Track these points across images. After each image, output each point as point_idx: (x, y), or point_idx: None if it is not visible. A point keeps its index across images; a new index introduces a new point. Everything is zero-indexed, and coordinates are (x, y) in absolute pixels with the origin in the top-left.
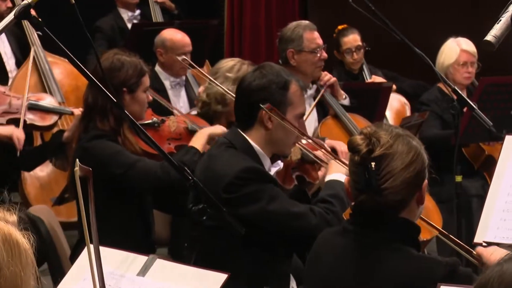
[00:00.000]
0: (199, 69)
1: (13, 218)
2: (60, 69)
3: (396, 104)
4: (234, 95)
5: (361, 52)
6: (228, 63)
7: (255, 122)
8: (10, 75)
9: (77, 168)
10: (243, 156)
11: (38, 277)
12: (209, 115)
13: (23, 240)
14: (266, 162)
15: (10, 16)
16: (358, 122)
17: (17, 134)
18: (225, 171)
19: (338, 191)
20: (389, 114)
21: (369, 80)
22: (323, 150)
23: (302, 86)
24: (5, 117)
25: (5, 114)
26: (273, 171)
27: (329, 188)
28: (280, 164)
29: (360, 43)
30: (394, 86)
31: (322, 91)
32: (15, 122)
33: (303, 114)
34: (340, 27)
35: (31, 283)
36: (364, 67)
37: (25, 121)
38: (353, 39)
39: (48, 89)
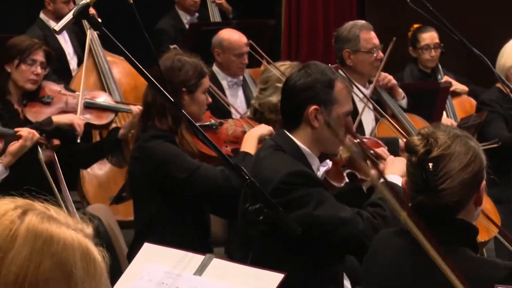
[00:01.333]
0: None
1: (90, 230)
2: (119, 68)
3: (468, 107)
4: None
5: (438, 51)
6: (276, 70)
7: (301, 122)
8: (73, 73)
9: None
10: (291, 159)
11: None
12: (262, 122)
13: (99, 257)
14: (315, 162)
15: (69, 16)
16: (416, 123)
17: (77, 120)
18: (271, 175)
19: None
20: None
21: (442, 81)
22: (375, 148)
23: (348, 84)
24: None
25: (62, 113)
26: (322, 170)
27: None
28: (328, 163)
29: (438, 41)
30: (466, 88)
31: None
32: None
33: (350, 112)
34: (415, 25)
35: None
36: (439, 67)
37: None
38: (432, 36)
39: (107, 88)
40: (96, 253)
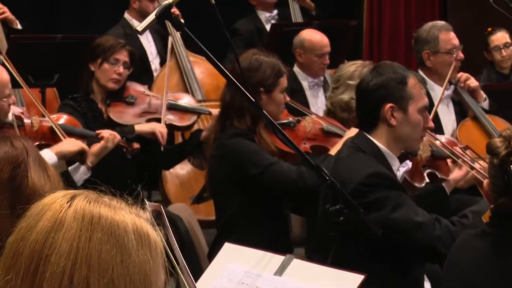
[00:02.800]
0: None
1: (146, 215)
2: (201, 68)
3: None
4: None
5: (510, 50)
6: (349, 68)
7: (378, 122)
8: (155, 74)
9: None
10: (371, 160)
11: (169, 270)
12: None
13: (154, 233)
14: (395, 163)
15: (151, 16)
16: (498, 124)
17: (160, 129)
18: (351, 176)
19: (482, 208)
20: None
21: None
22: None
23: (420, 80)
24: (145, 116)
25: (145, 114)
26: (401, 171)
27: (478, 205)
28: (408, 164)
29: (509, 40)
30: None
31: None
32: (154, 122)
33: (426, 107)
34: (489, 29)
35: (161, 275)
36: None
37: (164, 121)
38: (501, 36)
39: (189, 88)
40: (151, 230)
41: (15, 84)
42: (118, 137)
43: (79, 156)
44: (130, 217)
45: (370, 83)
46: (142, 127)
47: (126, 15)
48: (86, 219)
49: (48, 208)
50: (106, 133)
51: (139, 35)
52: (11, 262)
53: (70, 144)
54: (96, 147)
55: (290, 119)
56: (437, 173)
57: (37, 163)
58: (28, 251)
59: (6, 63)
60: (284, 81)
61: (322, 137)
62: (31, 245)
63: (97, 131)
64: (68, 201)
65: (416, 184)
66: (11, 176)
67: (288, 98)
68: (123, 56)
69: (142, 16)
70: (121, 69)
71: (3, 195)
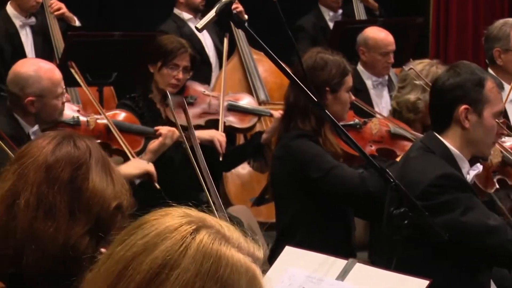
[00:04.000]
0: None
1: (261, 254)
2: (265, 66)
3: None
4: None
5: None
6: (416, 67)
7: (451, 123)
8: (213, 65)
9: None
10: (441, 162)
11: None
12: (401, 122)
13: (264, 285)
14: (465, 165)
15: (211, 14)
16: None
17: (219, 137)
18: (420, 177)
19: None
20: None
21: None
22: None
23: (498, 84)
24: (204, 117)
25: (204, 114)
26: (471, 174)
27: None
28: (479, 167)
29: None
30: None
31: None
32: (213, 123)
33: (501, 113)
34: None
35: None
36: None
37: (224, 122)
38: None
39: (252, 86)
40: (262, 280)
41: (72, 82)
42: (177, 133)
43: (145, 178)
44: (247, 264)
45: (446, 82)
46: (201, 133)
47: (176, 10)
48: (204, 265)
49: (170, 235)
50: (164, 129)
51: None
52: (117, 280)
53: (134, 167)
54: (154, 143)
55: (356, 120)
56: (507, 179)
57: (100, 165)
58: (138, 279)
59: (74, 74)
60: (349, 80)
61: (389, 140)
62: (142, 273)
63: (156, 128)
64: (192, 233)
65: (485, 190)
66: (71, 178)
67: (353, 98)
68: (184, 61)
69: (190, 8)
70: (180, 74)
71: (62, 196)
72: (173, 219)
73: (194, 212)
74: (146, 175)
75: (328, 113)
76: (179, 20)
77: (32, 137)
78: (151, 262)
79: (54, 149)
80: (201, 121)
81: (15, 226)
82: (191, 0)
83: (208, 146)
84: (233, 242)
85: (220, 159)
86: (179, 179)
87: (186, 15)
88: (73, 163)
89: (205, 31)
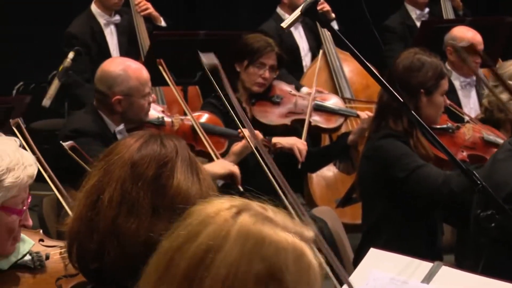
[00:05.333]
0: None
1: (310, 234)
2: (351, 66)
3: None
4: None
5: None
6: (509, 68)
7: None
8: (305, 70)
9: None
10: None
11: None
12: (492, 121)
13: (315, 262)
14: None
15: (297, 12)
16: None
17: (299, 146)
18: (507, 180)
19: None
20: None
21: None
22: None
23: None
24: (290, 117)
25: (290, 114)
26: None
27: None
28: None
29: None
30: None
31: None
32: (299, 123)
33: None
34: None
35: None
36: None
37: (309, 122)
38: None
39: (338, 86)
40: (312, 258)
41: (158, 81)
42: (260, 135)
43: (229, 179)
44: (293, 242)
45: None
46: (281, 140)
47: (279, 10)
48: (248, 244)
49: (212, 221)
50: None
51: (292, 30)
52: (164, 271)
53: (219, 167)
54: (237, 146)
55: (449, 124)
56: None
57: (186, 165)
58: (184, 266)
59: (163, 72)
60: (445, 84)
61: (481, 147)
62: (187, 260)
63: (239, 130)
64: (233, 216)
65: None
66: (156, 175)
67: (448, 102)
68: (270, 60)
69: (293, 10)
70: (267, 73)
71: (145, 193)
72: (215, 206)
73: (237, 199)
74: (230, 176)
75: (415, 114)
76: (280, 21)
77: (118, 136)
78: (196, 248)
79: (141, 147)
80: (287, 121)
81: (98, 221)
82: (295, 2)
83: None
84: (277, 222)
85: (299, 167)
86: (256, 183)
87: (288, 17)
88: (158, 161)
89: (303, 35)
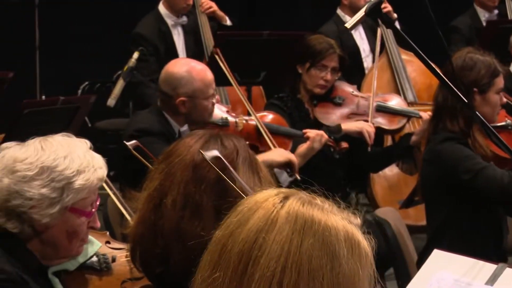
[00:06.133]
0: None
1: (357, 221)
2: (414, 67)
3: None
4: None
5: None
6: None
7: None
8: (367, 72)
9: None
10: None
11: (375, 281)
12: None
13: (365, 242)
14: None
15: (361, 13)
16: None
17: (367, 128)
18: None
19: None
20: None
21: None
22: None
23: None
24: (352, 118)
25: (353, 115)
26: None
27: None
28: None
29: None
30: None
31: None
32: None
33: None
34: None
35: (367, 285)
36: None
37: (372, 123)
38: None
39: (400, 87)
40: (362, 238)
41: (222, 81)
42: (325, 136)
43: (287, 167)
44: (342, 223)
45: None
46: (349, 125)
47: (339, 11)
48: (298, 222)
49: (260, 206)
50: (312, 133)
51: (351, 32)
52: (219, 258)
53: (278, 154)
54: (302, 147)
55: (508, 121)
56: None
57: (247, 164)
58: (237, 250)
59: (219, 60)
60: (500, 82)
61: None
62: (240, 244)
63: (304, 131)
64: (281, 201)
65: None
66: (218, 177)
67: (505, 100)
68: (332, 62)
69: (353, 11)
70: (328, 75)
71: (208, 196)
72: (263, 193)
73: (284, 189)
74: (288, 164)
75: (478, 114)
76: (341, 23)
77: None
78: (247, 231)
79: (201, 148)
80: (349, 122)
81: (162, 225)
82: (356, 3)
83: (357, 140)
84: (325, 207)
85: (369, 149)
86: (321, 184)
87: (348, 19)
88: (219, 163)
89: (364, 37)
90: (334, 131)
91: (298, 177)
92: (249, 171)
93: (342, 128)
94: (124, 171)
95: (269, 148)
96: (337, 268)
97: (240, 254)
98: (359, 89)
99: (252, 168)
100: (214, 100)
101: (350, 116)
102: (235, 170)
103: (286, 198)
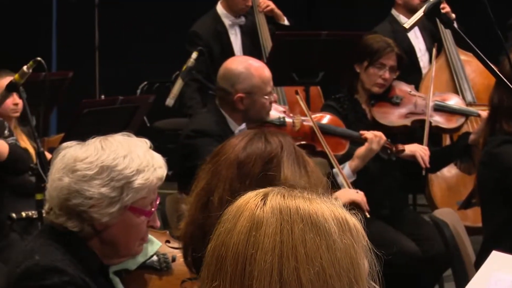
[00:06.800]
0: None
1: (339, 202)
2: (473, 67)
3: None
4: None
5: None
6: None
7: None
8: (423, 71)
9: None
10: None
11: (371, 255)
12: None
13: (352, 218)
14: None
15: (420, 13)
16: None
17: (421, 152)
18: None
19: None
20: None
21: None
22: None
23: None
24: (410, 118)
25: (410, 114)
26: None
27: None
28: None
29: None
30: None
31: None
32: (419, 123)
33: None
34: None
35: (364, 259)
36: None
37: (430, 122)
38: None
39: (459, 88)
40: (348, 214)
41: (280, 81)
42: (383, 138)
43: (354, 207)
44: (326, 205)
45: None
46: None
47: (393, 11)
48: (284, 212)
49: (244, 209)
50: (370, 134)
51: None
52: (216, 268)
53: (339, 196)
54: (361, 149)
55: None
56: None
57: (292, 158)
58: (232, 254)
59: (300, 99)
60: None
61: None
62: (233, 248)
63: (361, 132)
64: (262, 199)
65: None
66: (263, 171)
67: None
68: (390, 60)
69: (408, 11)
70: (387, 74)
71: (254, 190)
72: (243, 198)
73: (261, 189)
74: (352, 204)
75: None
76: (395, 23)
77: None
78: (237, 235)
79: (246, 146)
80: (407, 122)
81: (210, 224)
82: (410, 2)
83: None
84: (305, 195)
85: (423, 173)
86: (375, 189)
87: (403, 18)
88: (263, 158)
89: (419, 36)
90: (386, 154)
91: (367, 215)
92: (294, 165)
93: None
94: (182, 170)
95: (326, 147)
96: (332, 246)
97: (235, 257)
98: (416, 89)
99: (298, 163)
100: (272, 98)
101: (408, 116)
102: (280, 164)
103: (265, 195)
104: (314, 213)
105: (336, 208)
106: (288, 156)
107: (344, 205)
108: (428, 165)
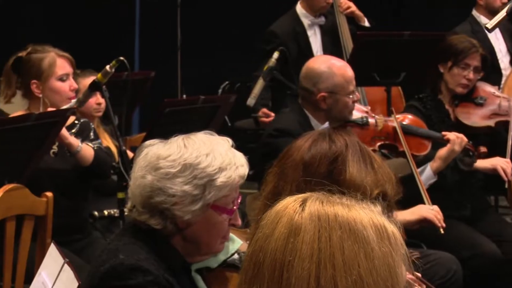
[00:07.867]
0: None
1: (378, 208)
2: None
3: None
4: None
5: None
6: None
7: None
8: (504, 72)
9: None
10: None
11: (409, 262)
12: None
13: (391, 225)
14: None
15: (502, 13)
16: None
17: (502, 165)
18: None
19: None
20: None
21: None
22: None
23: None
24: (494, 118)
25: (494, 115)
26: None
27: None
28: None
29: None
30: None
31: None
32: (503, 124)
33: None
34: None
35: (403, 267)
36: None
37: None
38: None
39: None
40: (387, 222)
41: (361, 81)
42: (465, 139)
43: (426, 223)
44: (364, 211)
45: None
46: (483, 163)
47: (474, 12)
48: (322, 219)
49: (282, 215)
50: (452, 135)
51: (486, 32)
52: (253, 273)
53: (410, 213)
54: (443, 151)
55: None
56: None
57: (358, 156)
58: (269, 260)
59: (395, 122)
60: None
61: None
62: (271, 254)
63: (443, 133)
64: (300, 205)
65: None
66: (328, 171)
67: None
68: (475, 61)
69: (489, 12)
70: (471, 74)
71: (320, 191)
72: (282, 203)
73: (300, 195)
74: (424, 221)
75: None
76: (475, 24)
77: None
78: (275, 241)
79: (310, 146)
80: (491, 122)
81: None
82: (491, 3)
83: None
84: (343, 202)
85: (506, 186)
86: (456, 190)
87: (483, 19)
88: (328, 157)
89: (500, 37)
90: (466, 164)
91: (442, 231)
92: (360, 163)
93: (474, 165)
94: (262, 170)
95: (406, 149)
96: (371, 253)
97: (273, 263)
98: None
99: (364, 160)
100: (355, 97)
101: (491, 117)
102: (345, 163)
103: (304, 201)
104: (352, 220)
105: (374, 215)
106: (353, 154)
107: (416, 222)
108: (510, 178)
